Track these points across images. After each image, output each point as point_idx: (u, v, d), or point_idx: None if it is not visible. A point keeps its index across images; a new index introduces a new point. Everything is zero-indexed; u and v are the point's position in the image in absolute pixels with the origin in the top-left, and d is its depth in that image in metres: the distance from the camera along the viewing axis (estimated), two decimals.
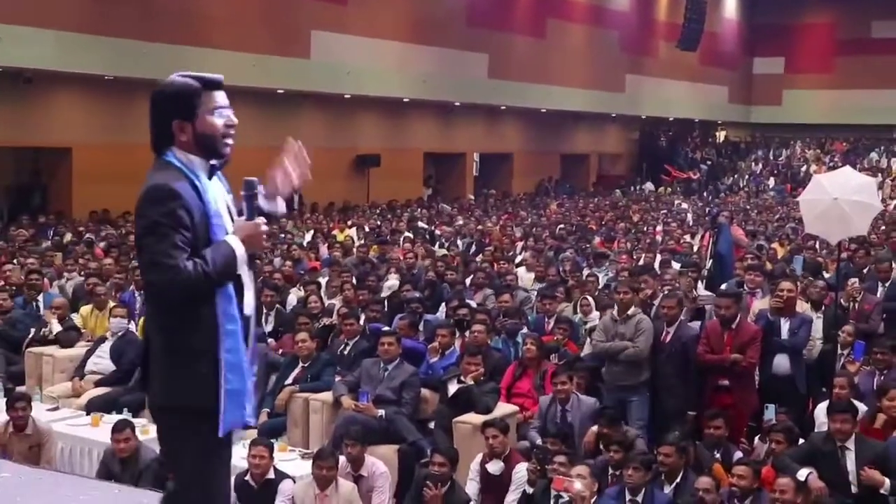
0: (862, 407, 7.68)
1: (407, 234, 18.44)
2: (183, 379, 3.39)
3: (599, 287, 12.27)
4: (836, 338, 8.97)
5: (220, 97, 3.49)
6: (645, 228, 20.60)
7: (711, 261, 12.59)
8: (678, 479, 6.80)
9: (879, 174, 35.97)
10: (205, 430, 3.41)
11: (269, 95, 22.92)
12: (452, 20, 26.89)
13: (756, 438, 8.11)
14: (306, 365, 8.95)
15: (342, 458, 6.98)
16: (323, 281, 12.42)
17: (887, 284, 11.18)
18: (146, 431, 7.73)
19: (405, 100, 26.51)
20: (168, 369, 3.40)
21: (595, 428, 7.61)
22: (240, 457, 7.30)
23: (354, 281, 12.21)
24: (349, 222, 20.40)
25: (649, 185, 36.69)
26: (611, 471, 7.07)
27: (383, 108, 26.76)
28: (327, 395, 8.57)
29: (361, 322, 9.91)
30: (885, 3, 38.82)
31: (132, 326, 10.30)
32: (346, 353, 9.39)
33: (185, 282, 3.27)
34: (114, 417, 7.96)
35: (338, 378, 8.77)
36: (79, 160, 20.10)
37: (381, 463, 7.23)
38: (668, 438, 7.03)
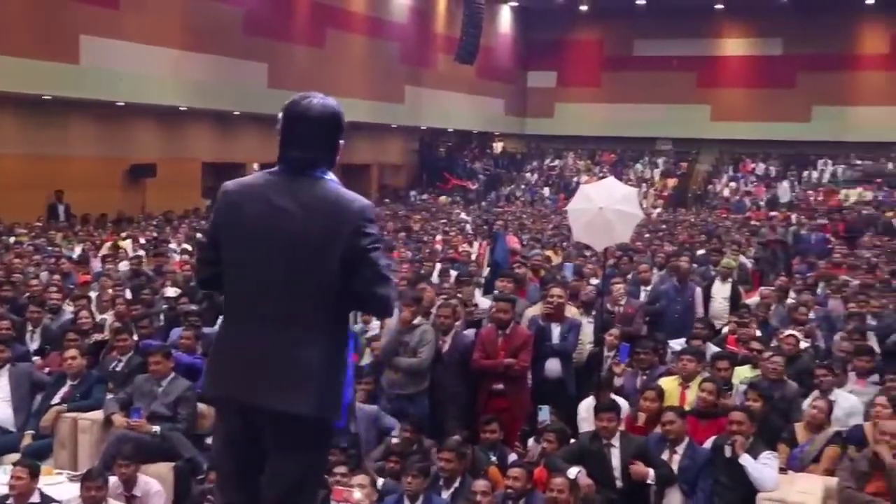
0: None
1: (185, 245, 18.00)
2: (333, 392, 3.53)
3: None
4: (603, 341, 9.38)
5: None
6: (425, 238, 20.89)
7: (488, 269, 12.92)
8: (456, 484, 6.94)
9: (644, 184, 37.92)
10: (329, 440, 3.72)
11: (35, 102, 21.85)
12: (229, 28, 26.45)
13: (530, 440, 8.37)
14: (75, 383, 8.58)
15: (113, 479, 6.74)
16: (94, 295, 11.96)
17: (649, 289, 11.82)
18: None
19: (182, 108, 25.88)
20: (325, 383, 3.46)
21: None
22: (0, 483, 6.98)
23: (128, 294, 11.84)
24: (123, 234, 19.70)
25: (414, 193, 37.16)
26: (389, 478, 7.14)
27: (159, 116, 26.02)
28: (98, 414, 8.26)
29: (136, 337, 9.61)
30: (644, 23, 40.94)
31: None
32: (118, 369, 9.08)
33: (395, 294, 3.57)
34: None
35: (109, 395, 8.47)
36: None
37: (155, 481, 7.03)
38: (447, 443, 7.16)
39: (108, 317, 10.94)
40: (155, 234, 19.94)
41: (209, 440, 8.03)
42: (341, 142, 3.59)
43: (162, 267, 14.41)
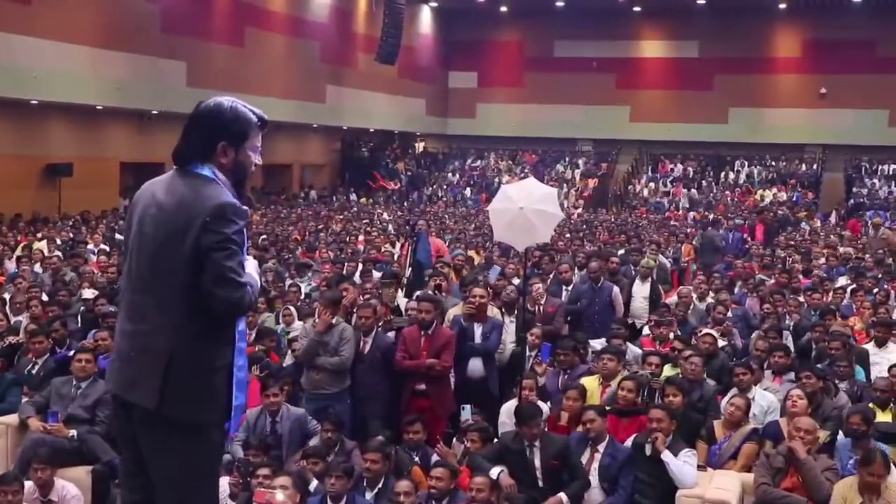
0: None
1: (103, 246, 17.70)
2: (205, 393, 3.50)
3: (301, 297, 12.32)
4: (525, 340, 9.43)
5: (260, 138, 3.71)
6: (347, 238, 20.81)
7: (410, 269, 12.92)
8: (380, 485, 6.93)
9: (565, 185, 38.25)
10: (212, 440, 3.63)
11: None
12: (147, 26, 26.05)
13: (454, 440, 8.39)
14: None
15: (29, 483, 6.60)
16: (8, 297, 11.71)
17: (570, 288, 11.91)
18: None
19: (98, 107, 25.41)
20: (192, 384, 3.47)
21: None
22: None
23: (45, 296, 11.60)
24: (39, 235, 19.29)
25: (353, 196, 37.08)
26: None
27: (75, 115, 25.50)
28: (13, 418, 8.09)
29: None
30: (564, 24, 41.29)
31: None
32: (34, 372, 8.91)
33: (247, 298, 3.47)
34: None
35: (25, 399, 8.30)
36: None
37: (72, 485, 6.91)
38: (371, 445, 7.15)
39: (23, 319, 10.72)
40: (71, 235, 19.55)
41: None
42: (222, 142, 3.60)
43: (79, 268, 14.15)
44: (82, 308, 11.46)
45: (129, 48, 25.16)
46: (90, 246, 17.66)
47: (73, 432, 7.69)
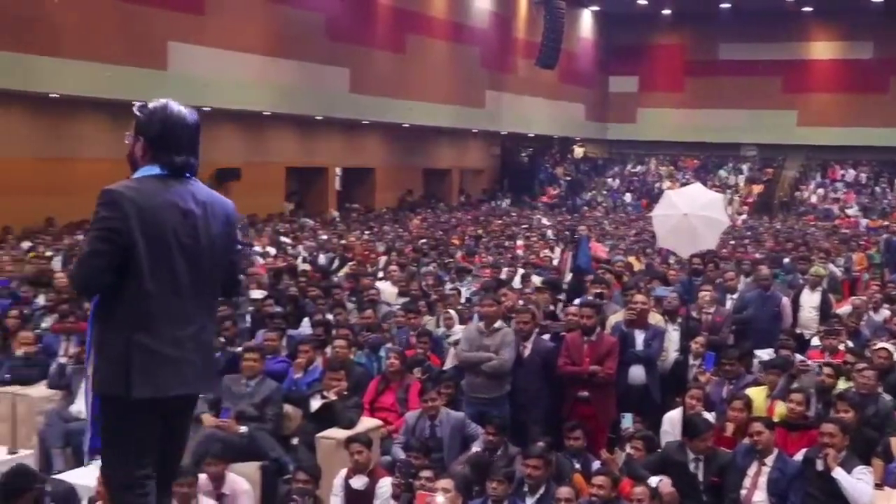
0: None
1: (269, 249, 18.23)
2: None
3: (462, 301, 12.39)
4: (688, 349, 9.24)
5: None
6: (507, 243, 20.84)
7: (571, 274, 12.84)
8: (541, 491, 6.88)
9: (727, 191, 37.37)
10: None
11: (122, 106, 22.14)
12: (313, 34, 26.71)
13: (615, 448, 8.28)
14: None
15: (203, 476, 6.83)
16: None
17: (734, 296, 11.61)
18: None
19: (266, 113, 26.19)
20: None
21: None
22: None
23: None
24: None
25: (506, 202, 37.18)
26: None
27: (243, 121, 26.34)
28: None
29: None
30: (731, 27, 40.43)
31: None
32: None
33: None
34: None
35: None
36: None
37: (243, 480, 7.10)
38: (534, 450, 7.11)
39: None
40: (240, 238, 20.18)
41: (295, 441, 8.12)
42: None
43: (246, 269, 14.59)
44: (251, 308, 11.80)
45: (296, 56, 25.87)
46: (257, 248, 18.20)
47: (244, 429, 7.90)
